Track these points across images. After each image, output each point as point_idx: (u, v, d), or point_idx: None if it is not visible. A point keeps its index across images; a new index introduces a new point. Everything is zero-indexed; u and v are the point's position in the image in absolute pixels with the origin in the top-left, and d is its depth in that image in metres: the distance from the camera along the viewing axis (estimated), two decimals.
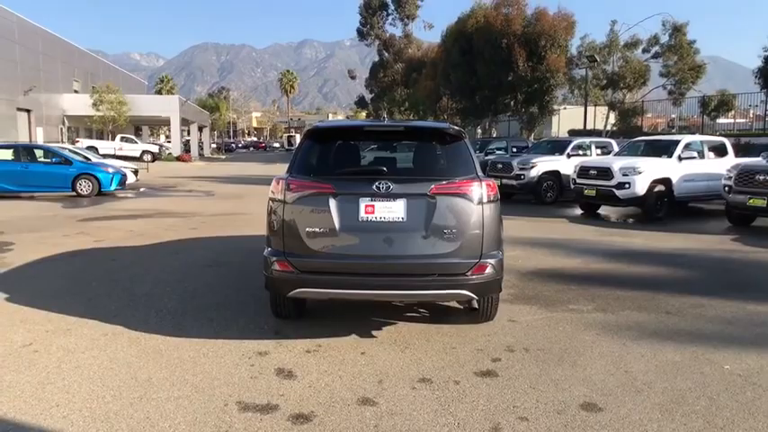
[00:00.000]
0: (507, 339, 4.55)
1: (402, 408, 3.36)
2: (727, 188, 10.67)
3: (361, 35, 57.95)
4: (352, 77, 67.84)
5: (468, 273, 4.10)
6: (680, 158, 12.20)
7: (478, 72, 36.77)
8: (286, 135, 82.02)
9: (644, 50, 32.05)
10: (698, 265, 7.59)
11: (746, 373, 3.89)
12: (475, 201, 4.13)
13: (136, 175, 19.41)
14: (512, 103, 38.40)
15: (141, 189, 18.94)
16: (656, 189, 11.82)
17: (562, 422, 3.19)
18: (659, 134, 23.71)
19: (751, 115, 32.79)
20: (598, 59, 28.70)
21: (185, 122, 46.63)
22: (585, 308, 5.46)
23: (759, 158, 11.25)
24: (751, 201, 10.08)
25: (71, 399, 3.47)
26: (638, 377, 3.82)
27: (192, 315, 5.17)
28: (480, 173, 4.31)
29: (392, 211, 4.07)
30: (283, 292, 4.31)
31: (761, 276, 6.95)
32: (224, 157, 57.09)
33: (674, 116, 35.18)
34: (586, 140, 17.17)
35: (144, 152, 36.28)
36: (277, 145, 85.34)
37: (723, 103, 28.37)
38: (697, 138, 13.50)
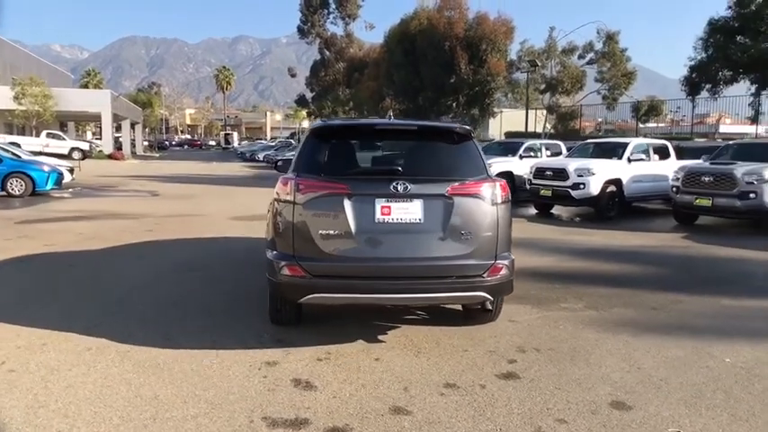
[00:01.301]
0: (515, 340, 4.54)
1: (438, 416, 3.26)
2: (675, 189, 11.23)
3: (302, 33, 57.14)
4: (293, 75, 66.90)
5: (484, 274, 4.06)
6: (629, 160, 12.75)
7: (422, 73, 37.17)
8: (223, 133, 79.60)
9: (580, 56, 33.49)
10: (662, 261, 7.93)
11: (748, 366, 4.05)
12: (490, 201, 4.10)
13: (72, 174, 18.21)
14: (454, 104, 39.09)
15: (78, 189, 17.79)
16: (609, 189, 12.29)
17: (599, 422, 3.20)
18: (599, 137, 24.75)
19: (668, 120, 35.02)
20: (539, 64, 29.61)
21: (117, 118, 44.34)
22: (576, 306, 5.55)
23: (700, 161, 11.91)
24: (697, 201, 10.66)
25: (73, 423, 3.14)
26: (651, 373, 3.90)
27: (179, 324, 4.85)
28: (491, 173, 4.28)
29: (409, 212, 3.96)
30: (294, 298, 4.10)
31: (722, 271, 7.33)
32: (158, 155, 54.76)
33: (600, 120, 36.98)
34: (537, 142, 17.67)
35: (73, 149, 34.19)
36: (213, 143, 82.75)
37: (652, 108, 30.00)
38: (644, 141, 14.17)
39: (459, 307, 5.23)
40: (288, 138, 71.31)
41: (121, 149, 42.96)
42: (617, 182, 12.41)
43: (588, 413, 3.31)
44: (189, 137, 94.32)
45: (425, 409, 3.33)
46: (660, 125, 34.18)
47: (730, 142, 13.68)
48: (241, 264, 7.24)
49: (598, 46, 32.21)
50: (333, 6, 55.33)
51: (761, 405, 3.45)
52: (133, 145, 52.10)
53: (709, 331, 4.86)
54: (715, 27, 22.93)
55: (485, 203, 4.07)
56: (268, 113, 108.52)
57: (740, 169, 10.19)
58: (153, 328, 4.71)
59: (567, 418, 3.24)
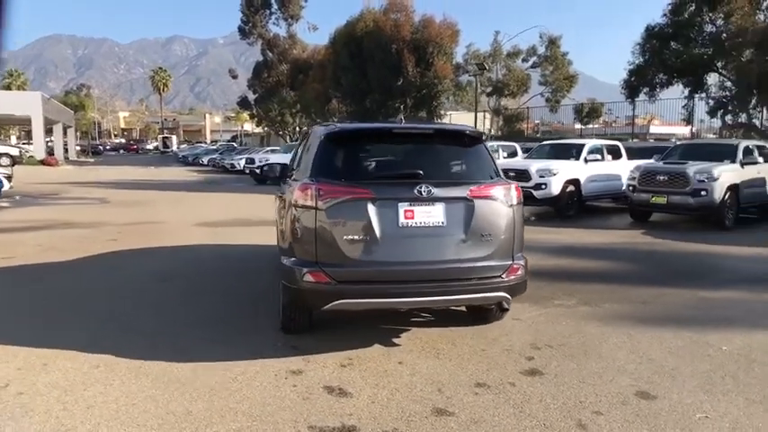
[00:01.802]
0: (525, 338, 4.67)
1: (481, 415, 3.32)
2: (631, 187, 11.81)
3: (243, 33, 55.97)
4: (234, 77, 65.42)
5: (503, 275, 4.16)
6: (586, 161, 13.29)
7: (369, 76, 37.22)
8: (161, 137, 76.74)
9: (523, 60, 34.57)
10: (633, 258, 8.34)
11: (744, 352, 4.34)
12: (507, 203, 4.20)
13: (9, 182, 17.12)
14: (402, 107, 39.41)
15: (17, 197, 16.74)
16: (568, 189, 12.77)
17: (633, 412, 3.35)
18: (537, 138, 25.68)
19: (601, 122, 36.81)
20: (487, 67, 30.36)
21: (47, 122, 41.98)
22: (569, 303, 5.75)
23: (652, 160, 12.58)
24: (653, 198, 11.26)
25: None
26: (662, 363, 4.12)
27: (184, 336, 4.70)
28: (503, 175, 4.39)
29: (431, 215, 4.00)
30: (317, 306, 4.05)
31: (690, 265, 7.78)
32: (92, 160, 52.29)
33: (537, 121, 38.38)
34: (495, 144, 18.12)
35: (1, 155, 32.14)
36: (151, 147, 79.76)
37: (593, 111, 31.37)
38: (599, 142, 14.80)
39: (462, 307, 5.32)
40: (230, 141, 69.84)
41: (53, 155, 40.74)
42: (575, 182, 12.91)
43: (619, 404, 3.46)
44: (124, 141, 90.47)
45: (466, 410, 3.38)
46: (595, 126, 35.84)
47: (678, 143, 14.53)
48: (221, 272, 7.06)
49: (541, 50, 33.35)
50: (275, 7, 54.56)
51: (760, 387, 3.71)
52: (66, 150, 49.50)
53: (697, 322, 5.15)
54: (651, 33, 24.20)
55: (502, 205, 4.18)
56: (207, 116, 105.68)
57: (692, 168, 10.84)
58: (158, 342, 4.53)
59: (602, 410, 3.38)
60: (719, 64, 23.63)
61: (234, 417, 3.29)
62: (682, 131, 33.93)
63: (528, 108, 32.86)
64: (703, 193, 10.63)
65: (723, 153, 11.68)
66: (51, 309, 5.45)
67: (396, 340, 4.59)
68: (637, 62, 25.61)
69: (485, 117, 33.15)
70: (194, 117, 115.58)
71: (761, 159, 11.84)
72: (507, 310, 4.56)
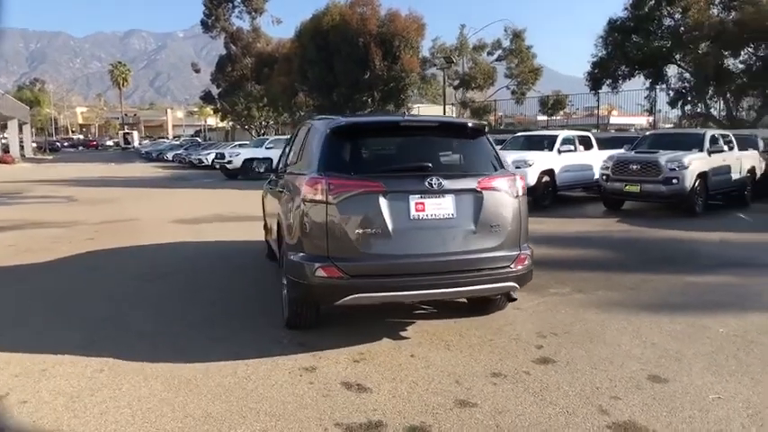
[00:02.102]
0: (529, 326, 4.73)
1: (504, 404, 3.34)
2: (605, 177, 12.09)
3: (206, 27, 54.82)
4: (196, 71, 64.05)
5: (512, 265, 4.20)
6: (559, 151, 13.53)
7: (336, 69, 36.96)
8: (122, 132, 74.40)
9: (489, 53, 34.89)
10: (614, 245, 8.54)
11: (739, 334, 4.50)
12: (514, 194, 4.24)
13: None
14: (369, 100, 39.33)
15: None
16: (544, 180, 12.98)
17: (649, 396, 3.43)
18: (500, 130, 26.03)
19: (563, 113, 37.60)
20: (454, 61, 30.53)
21: (2, 118, 40.30)
22: (564, 291, 5.85)
23: (622, 150, 12.89)
24: (627, 187, 11.55)
25: None
26: (666, 347, 4.23)
27: (184, 335, 4.59)
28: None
29: (442, 207, 4.01)
30: (329, 301, 4.01)
31: (670, 251, 8.00)
32: (50, 157, 50.48)
33: (501, 114, 38.88)
34: None
35: None
36: (111, 143, 77.27)
37: (558, 102, 31.92)
38: (571, 133, 15.07)
39: (463, 298, 5.35)
40: (193, 136, 68.38)
41: (9, 152, 39.15)
42: (550, 172, 13.13)
43: (634, 388, 3.54)
44: (82, 137, 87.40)
45: (488, 400, 3.40)
46: (557, 118, 36.55)
47: (647, 133, 14.91)
48: (208, 270, 6.92)
49: (506, 43, 33.72)
50: (238, 0, 53.59)
51: (764, 365, 3.86)
52: (22, 147, 47.60)
53: (690, 306, 5.32)
54: (613, 26, 24.75)
55: (510, 196, 4.21)
56: (169, 111, 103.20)
57: (663, 157, 11.16)
58: (159, 343, 4.41)
59: (619, 395, 3.45)
60: (678, 56, 24.35)
61: (256, 417, 3.23)
62: (639, 122, 35.04)
63: (495, 101, 33.22)
64: (674, 181, 10.96)
65: (691, 142, 12.06)
66: (39, 311, 5.24)
67: (403, 333, 4.58)
68: (600, 55, 26.13)
69: (453, 110, 33.35)
70: (155, 112, 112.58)
71: (726, 148, 12.27)
72: (515, 299, 4.60)
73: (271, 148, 22.76)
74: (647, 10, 23.53)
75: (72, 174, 26.65)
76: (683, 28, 22.95)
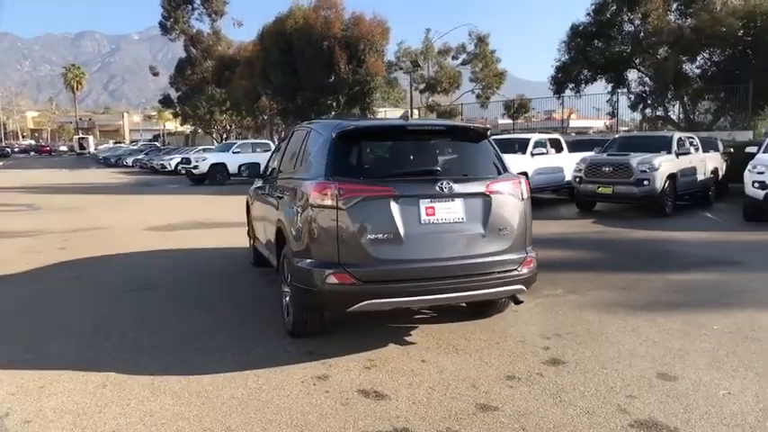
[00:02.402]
0: (531, 328, 4.78)
1: (525, 407, 3.36)
2: (578, 179, 12.37)
3: (165, 29, 53.65)
4: (155, 74, 62.61)
5: (519, 267, 4.23)
6: (532, 154, 13.76)
7: (300, 73, 36.74)
8: (77, 137, 71.84)
9: (453, 57, 35.31)
10: (595, 246, 8.72)
11: (733, 330, 4.65)
12: (520, 197, 4.28)
13: None
14: (334, 104, 39.24)
15: None
16: None
17: (663, 393, 3.51)
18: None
19: (524, 117, 38.41)
20: (421, 65, 30.76)
21: None
22: (557, 292, 5.93)
23: (593, 153, 13.21)
24: (600, 189, 11.84)
25: None
26: (667, 345, 4.33)
27: (184, 347, 4.45)
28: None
29: (451, 211, 4.01)
30: (341, 307, 3.96)
31: (649, 251, 8.23)
32: (1, 163, 48.35)
33: (461, 117, 39.43)
34: None
35: None
36: (65, 148, 74.46)
37: (522, 106, 32.51)
38: (543, 136, 15.35)
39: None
40: (151, 140, 66.70)
41: None
42: (524, 175, 13.27)
43: (647, 387, 3.61)
44: (34, 142, 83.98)
45: (508, 403, 3.42)
46: (519, 121, 37.27)
47: (617, 135, 15.33)
48: (194, 278, 6.76)
49: (470, 48, 34.18)
50: (197, 2, 52.64)
51: (763, 361, 4.00)
52: None
53: (681, 304, 5.47)
54: (576, 32, 25.38)
55: (516, 199, 4.25)
56: (125, 115, 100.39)
57: (635, 160, 11.49)
58: (160, 355, 4.27)
59: (634, 394, 3.51)
60: (638, 61, 25.15)
61: (278, 429, 3.15)
62: (597, 125, 36.18)
63: (462, 104, 33.62)
64: (646, 182, 11.29)
65: (659, 145, 12.45)
66: (23, 326, 5.00)
67: (408, 338, 4.56)
68: (563, 59, 26.74)
69: (419, 113, 33.59)
70: (111, 116, 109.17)
71: (692, 150, 12.73)
72: (521, 302, 4.63)
73: (238, 152, 22.41)
74: (608, 16, 24.22)
75: (28, 180, 25.61)
76: (642, 34, 23.74)
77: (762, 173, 10.24)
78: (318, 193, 3.93)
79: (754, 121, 22.25)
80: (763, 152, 11.07)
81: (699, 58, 23.65)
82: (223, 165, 21.74)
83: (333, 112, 40.56)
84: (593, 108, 33.27)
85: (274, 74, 38.03)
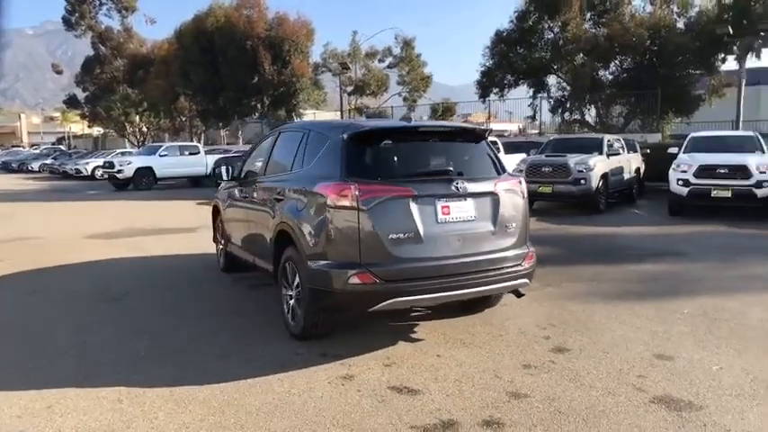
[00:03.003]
0: (526, 320, 5.03)
1: (552, 392, 3.57)
2: None
3: (69, 24, 50.24)
4: (58, 72, 58.53)
5: (523, 262, 4.46)
6: None
7: (222, 72, 35.81)
8: None
9: (380, 60, 35.71)
10: (547, 242, 9.12)
11: (701, 313, 5.13)
12: (521, 195, 4.51)
13: None
14: (259, 105, 38.52)
15: None
16: None
17: (667, 371, 3.85)
18: None
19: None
20: (350, 67, 30.86)
21: None
22: (534, 285, 6.00)
23: (532, 155, 13.91)
24: (540, 188, 12.46)
25: None
26: (652, 329, 4.72)
27: (189, 355, 4.32)
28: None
29: (464, 210, 4.16)
30: (363, 307, 3.99)
31: (599, 245, 8.81)
32: None
33: None
34: None
35: None
36: None
37: (447, 110, 33.47)
38: None
39: None
40: (54, 144, 62.25)
41: None
42: None
43: (650, 366, 3.94)
44: None
45: (536, 389, 3.61)
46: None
47: (551, 137, 16.17)
48: (165, 286, 6.48)
49: (396, 51, 34.73)
50: None
51: (741, 339, 4.47)
52: None
53: (647, 293, 5.93)
54: (500, 38, 26.50)
55: (518, 197, 4.48)
56: (22, 116, 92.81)
57: (572, 160, 12.23)
58: (167, 365, 4.11)
59: (642, 374, 3.82)
60: (557, 67, 26.66)
61: (325, 430, 3.15)
62: (512, 128, 38.21)
63: (392, 107, 34.08)
64: (582, 181, 12.05)
65: (591, 146, 13.32)
66: (1, 344, 4.61)
67: (414, 336, 4.66)
68: (488, 64, 27.83)
69: (350, 115, 33.67)
70: (4, 117, 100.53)
71: (620, 151, 13.72)
72: (523, 295, 4.85)
73: (165, 155, 21.46)
74: (530, 23, 25.47)
75: None
76: (561, 41, 25.18)
77: (685, 171, 11.24)
78: (337, 194, 3.94)
79: (662, 125, 24.23)
80: (683, 153, 12.16)
81: (612, 65, 25.44)
82: (149, 169, 20.73)
83: (257, 114, 39.83)
84: (505, 112, 35.11)
85: (194, 73, 36.77)
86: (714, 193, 10.81)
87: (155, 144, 26.30)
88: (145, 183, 20.56)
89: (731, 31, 20.20)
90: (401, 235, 3.93)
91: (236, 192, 6.23)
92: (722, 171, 10.80)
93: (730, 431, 3.06)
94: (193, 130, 42.82)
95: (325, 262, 4.03)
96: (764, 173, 10.51)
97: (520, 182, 4.59)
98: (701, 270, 6.88)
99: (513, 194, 4.45)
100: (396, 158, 4.27)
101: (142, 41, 51.10)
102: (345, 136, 4.18)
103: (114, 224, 11.73)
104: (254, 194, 5.54)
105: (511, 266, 4.36)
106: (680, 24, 24.51)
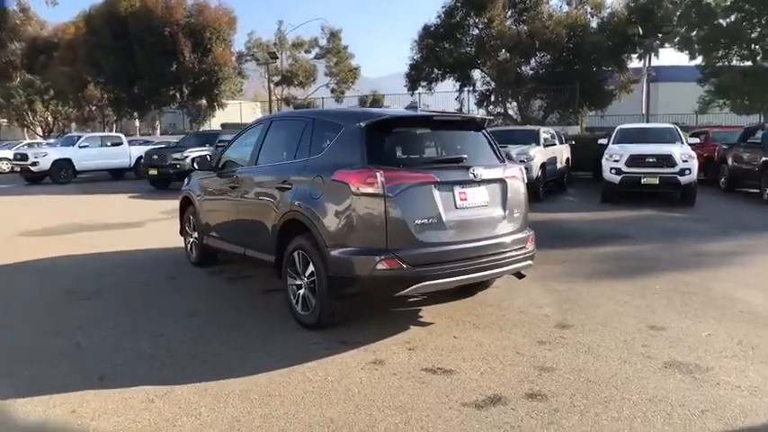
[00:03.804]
0: (521, 301, 5.28)
1: (575, 364, 3.82)
2: None
3: None
4: None
5: (527, 245, 4.69)
6: None
7: (137, 60, 33.97)
8: None
9: (306, 51, 35.28)
10: None
11: (672, 288, 5.60)
12: (522, 182, 4.74)
13: None
14: (177, 94, 36.92)
15: None
16: None
17: (666, 340, 4.23)
18: None
19: None
20: (278, 56, 30.24)
21: None
22: None
23: None
24: None
25: None
26: (636, 304, 5.12)
27: (201, 351, 4.18)
28: None
29: (478, 196, 4.33)
30: (390, 292, 4.06)
31: (555, 229, 9.19)
32: None
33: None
34: None
35: None
36: None
37: (375, 101, 33.66)
38: None
39: None
40: None
41: None
42: None
43: (650, 337, 4.31)
44: None
45: (559, 362, 3.85)
46: None
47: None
48: (140, 282, 6.17)
49: (323, 42, 34.45)
50: None
51: (714, 309, 4.96)
52: None
53: (617, 271, 6.41)
54: (428, 32, 27.03)
55: (521, 183, 4.71)
56: None
57: (514, 150, 12.73)
58: (184, 362, 3.97)
59: (645, 343, 4.17)
60: (482, 62, 27.59)
61: (381, 413, 3.20)
62: None
63: (323, 98, 33.78)
64: (525, 170, 12.63)
65: (529, 137, 13.97)
66: None
67: (423, 320, 4.78)
68: (415, 58, 28.31)
69: (278, 107, 33.03)
70: None
71: (555, 142, 14.52)
72: (524, 276, 5.07)
73: (86, 146, 20.08)
74: (458, 19, 26.16)
75: None
76: (486, 37, 26.06)
77: (617, 161, 12.11)
78: (362, 181, 3.96)
79: (579, 117, 25.78)
80: (613, 143, 13.08)
81: (532, 61, 26.69)
82: (68, 161, 19.31)
83: (175, 104, 38.10)
84: (424, 105, 35.85)
85: (106, 60, 34.67)
86: (644, 181, 11.74)
87: (72, 135, 24.49)
88: (63, 176, 19.14)
89: (641, 32, 21.80)
90: (425, 220, 4.03)
91: (217, 182, 6.03)
92: (650, 160, 11.75)
93: (740, 387, 3.44)
94: (105, 120, 40.24)
95: (348, 249, 4.05)
96: (687, 161, 11.56)
97: (521, 169, 4.81)
98: (654, 251, 7.50)
99: (517, 181, 4.67)
100: (413, 147, 4.36)
101: (42, 24, 47.27)
102: (363, 124, 4.20)
103: (48, 220, 10.89)
104: (245, 184, 5.40)
105: (518, 249, 4.58)
106: (593, 24, 26.13)
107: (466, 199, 4.25)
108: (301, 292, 4.53)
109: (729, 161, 13.99)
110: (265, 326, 4.68)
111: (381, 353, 4.06)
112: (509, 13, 26.61)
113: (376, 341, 4.27)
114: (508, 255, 4.49)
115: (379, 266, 3.93)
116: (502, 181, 4.52)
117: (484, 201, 4.37)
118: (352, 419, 3.13)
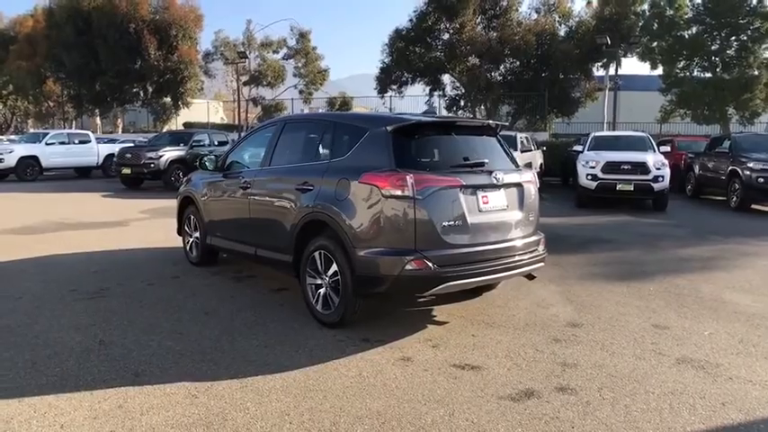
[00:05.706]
0: (525, 302, 5.48)
1: (594, 360, 4.03)
2: None
3: None
4: None
5: (539, 247, 4.90)
6: None
7: (101, 56, 33.11)
8: None
9: (274, 51, 35.06)
10: None
11: (664, 290, 5.93)
12: (535, 186, 4.94)
13: None
14: (141, 92, 36.14)
15: None
16: None
17: (671, 337, 4.49)
18: None
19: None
20: (248, 56, 29.95)
21: None
22: None
23: None
24: None
25: None
26: (636, 305, 5.39)
27: (228, 349, 4.21)
28: None
29: (499, 199, 4.50)
30: (418, 292, 4.20)
31: (547, 233, 9.60)
32: None
33: (261, 113, 39.44)
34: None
35: None
36: None
37: (344, 103, 33.72)
38: None
39: None
40: None
41: None
42: None
43: (656, 335, 4.56)
44: None
45: (580, 359, 4.05)
46: None
47: None
48: (145, 281, 6.10)
49: (292, 42, 34.32)
50: None
51: (708, 309, 5.27)
52: None
53: (609, 275, 6.68)
54: (399, 35, 27.29)
55: (534, 188, 4.92)
56: None
57: None
58: (216, 359, 4.00)
59: (654, 341, 4.42)
60: (451, 67, 28.02)
61: (424, 406, 3.32)
62: None
63: (292, 99, 33.60)
64: None
65: (507, 143, 14.34)
66: (7, 350, 4.13)
67: (438, 319, 4.91)
68: (386, 61, 28.53)
69: (247, 107, 32.69)
70: None
71: (531, 147, 14.96)
72: (535, 277, 5.26)
73: (52, 143, 19.46)
74: (429, 23, 26.51)
75: None
76: (457, 42, 26.49)
77: (593, 167, 12.57)
78: (391, 184, 4.08)
79: (547, 124, 26.49)
80: (588, 150, 13.57)
81: (502, 67, 27.28)
82: (35, 158, 18.68)
83: (139, 102, 37.22)
84: (388, 109, 36.11)
85: (68, 56, 33.73)
86: (619, 187, 12.24)
87: (37, 131, 23.66)
88: (30, 173, 18.50)
89: (609, 42, 22.59)
90: (451, 223, 4.18)
91: (224, 183, 6.03)
92: (626, 167, 12.25)
93: (752, 381, 3.71)
94: (65, 116, 38.96)
95: (376, 249, 4.15)
96: (660, 169, 12.11)
97: (534, 174, 5.02)
98: (638, 255, 7.86)
99: (532, 185, 4.88)
100: (436, 150, 4.50)
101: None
102: (390, 128, 4.32)
103: (26, 218, 10.55)
104: (258, 185, 5.43)
105: (533, 251, 4.78)
106: (561, 32, 26.91)
107: (488, 202, 4.42)
108: (322, 291, 4.61)
109: (696, 169, 14.71)
110: (285, 324, 4.74)
111: (407, 350, 4.18)
112: (479, 19, 27.16)
113: (398, 339, 4.39)
114: (524, 256, 4.68)
115: (408, 267, 4.05)
116: (519, 185, 4.72)
117: (504, 204, 4.55)
118: (398, 412, 3.24)
